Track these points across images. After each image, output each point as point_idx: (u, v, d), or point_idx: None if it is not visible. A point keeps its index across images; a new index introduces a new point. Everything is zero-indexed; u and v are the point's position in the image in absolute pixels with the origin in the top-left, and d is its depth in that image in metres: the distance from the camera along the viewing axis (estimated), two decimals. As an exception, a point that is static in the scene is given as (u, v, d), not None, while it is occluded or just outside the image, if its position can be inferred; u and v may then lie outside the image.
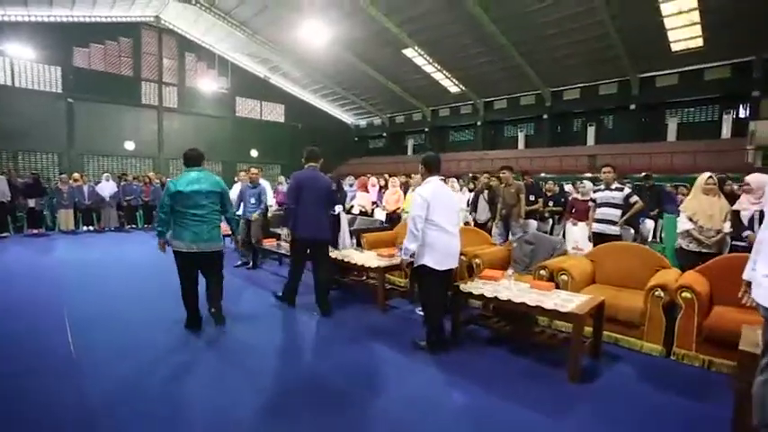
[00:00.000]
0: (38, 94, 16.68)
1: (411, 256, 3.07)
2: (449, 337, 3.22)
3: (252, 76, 23.13)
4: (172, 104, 20.52)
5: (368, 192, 7.47)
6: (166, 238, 3.51)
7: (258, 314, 4.07)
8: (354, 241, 5.50)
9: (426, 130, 25.29)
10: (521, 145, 21.97)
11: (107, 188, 10.35)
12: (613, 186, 4.58)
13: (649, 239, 6.45)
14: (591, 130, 19.58)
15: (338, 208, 4.97)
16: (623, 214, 4.54)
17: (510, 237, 5.78)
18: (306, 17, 15.62)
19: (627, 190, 4.56)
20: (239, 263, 6.14)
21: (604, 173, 4.70)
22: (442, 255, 3.03)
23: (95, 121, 17.97)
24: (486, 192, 6.20)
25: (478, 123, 22.91)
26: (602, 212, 4.55)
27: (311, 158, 4.07)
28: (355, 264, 4.37)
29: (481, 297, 3.06)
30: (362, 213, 7.29)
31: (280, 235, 6.19)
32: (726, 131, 15.48)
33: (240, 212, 5.99)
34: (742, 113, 15.17)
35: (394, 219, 6.92)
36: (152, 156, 19.75)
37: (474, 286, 3.17)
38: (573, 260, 3.73)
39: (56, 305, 4.11)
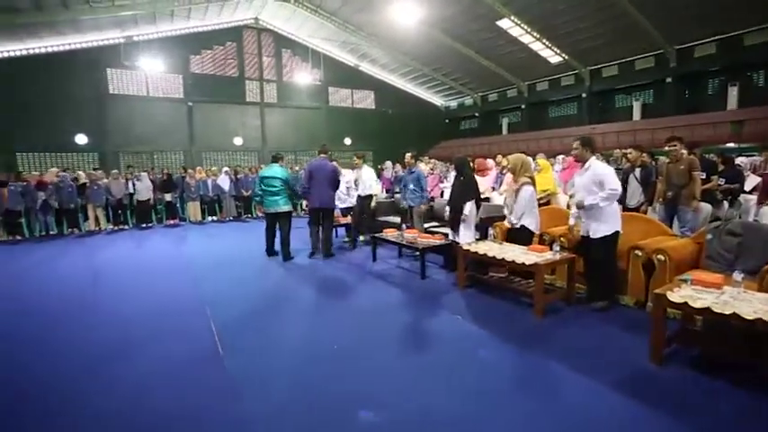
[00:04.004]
0: (166, 100, 18.91)
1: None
2: None
3: (342, 66, 23.50)
4: (272, 100, 21.76)
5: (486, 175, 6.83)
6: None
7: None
8: (475, 232, 5.01)
9: (522, 106, 23.47)
10: (636, 115, 19.19)
11: (226, 181, 11.22)
12: None
13: None
14: (733, 92, 16.23)
15: (468, 207, 4.65)
16: None
17: (676, 225, 4.80)
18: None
19: None
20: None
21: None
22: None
23: (210, 121, 19.86)
24: (638, 170, 5.22)
25: (583, 95, 20.56)
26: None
27: (322, 152, 6.19)
28: (502, 260, 3.74)
29: (708, 312, 2.32)
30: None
31: (400, 225, 5.95)
32: None
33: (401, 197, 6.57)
34: None
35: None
36: (257, 149, 21.21)
37: (687, 295, 2.49)
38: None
39: (198, 299, 4.40)
